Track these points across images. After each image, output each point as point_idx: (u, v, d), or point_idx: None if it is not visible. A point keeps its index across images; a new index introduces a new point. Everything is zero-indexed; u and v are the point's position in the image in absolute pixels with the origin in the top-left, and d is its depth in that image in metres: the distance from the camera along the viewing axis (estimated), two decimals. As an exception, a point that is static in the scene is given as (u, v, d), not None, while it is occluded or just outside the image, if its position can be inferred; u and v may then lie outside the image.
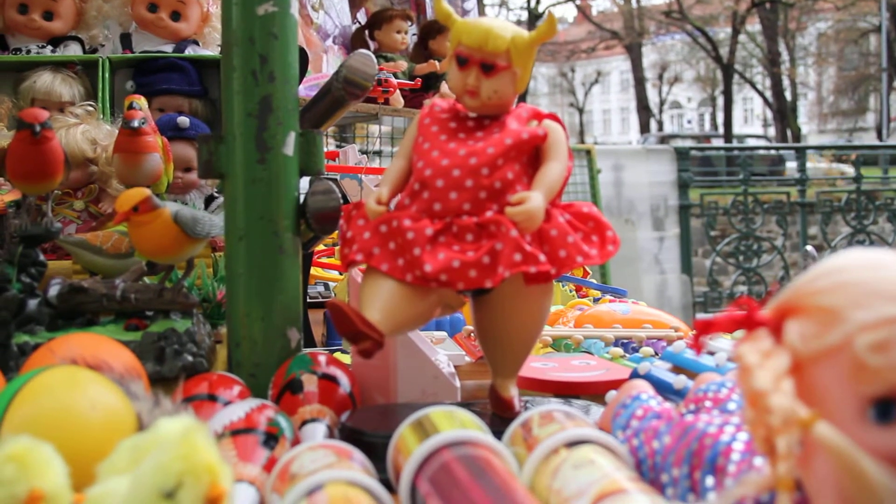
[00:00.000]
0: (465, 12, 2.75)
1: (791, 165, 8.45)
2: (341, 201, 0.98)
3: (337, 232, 0.93)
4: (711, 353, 1.04)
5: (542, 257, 0.79)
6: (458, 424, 0.68)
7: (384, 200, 0.85)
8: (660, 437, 0.66)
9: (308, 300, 1.59)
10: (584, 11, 24.42)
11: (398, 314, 0.81)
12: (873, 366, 0.41)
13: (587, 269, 1.99)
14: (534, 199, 0.80)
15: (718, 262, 7.70)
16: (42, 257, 1.08)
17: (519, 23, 20.58)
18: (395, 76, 2.21)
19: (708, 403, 0.73)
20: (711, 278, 7.66)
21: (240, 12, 0.97)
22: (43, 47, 1.92)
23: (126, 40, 1.98)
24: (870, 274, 0.44)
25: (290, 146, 0.98)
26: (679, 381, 0.96)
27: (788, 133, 19.97)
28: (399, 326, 0.83)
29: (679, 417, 0.69)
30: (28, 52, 1.90)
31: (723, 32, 21.89)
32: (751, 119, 32.06)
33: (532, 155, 0.86)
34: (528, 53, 0.87)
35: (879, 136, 20.30)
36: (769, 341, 0.47)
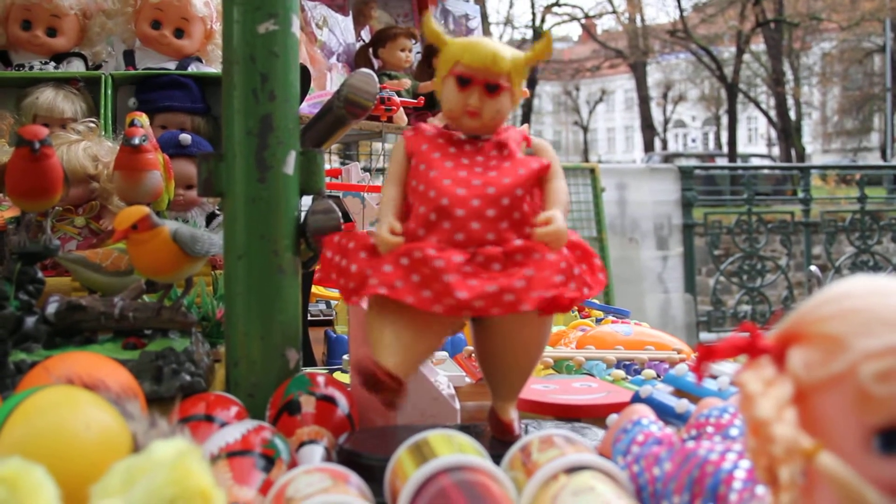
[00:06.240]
0: (469, 31, 2.75)
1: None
2: (341, 221, 0.97)
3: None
4: (714, 377, 1.03)
5: (573, 285, 0.80)
6: (457, 449, 0.67)
7: (399, 231, 0.82)
8: (661, 464, 0.65)
9: (309, 318, 1.58)
10: (588, 30, 24.43)
11: (414, 354, 0.81)
12: (878, 395, 0.40)
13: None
14: (559, 219, 0.81)
15: (722, 281, 7.69)
16: (40, 274, 1.08)
17: (524, 41, 20.62)
18: (399, 94, 2.21)
19: (710, 429, 0.72)
20: (715, 297, 7.64)
21: (241, 30, 0.97)
22: (46, 63, 1.92)
23: (129, 57, 1.98)
24: (875, 300, 0.43)
25: (290, 165, 0.98)
26: (681, 405, 0.95)
27: (793, 152, 19.94)
28: (416, 366, 0.83)
29: (680, 443, 0.69)
30: (31, 68, 1.90)
31: (727, 52, 21.92)
32: (755, 138, 32.01)
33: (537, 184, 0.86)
34: (524, 73, 0.87)
35: (884, 156, 20.27)
36: (772, 369, 0.46)
